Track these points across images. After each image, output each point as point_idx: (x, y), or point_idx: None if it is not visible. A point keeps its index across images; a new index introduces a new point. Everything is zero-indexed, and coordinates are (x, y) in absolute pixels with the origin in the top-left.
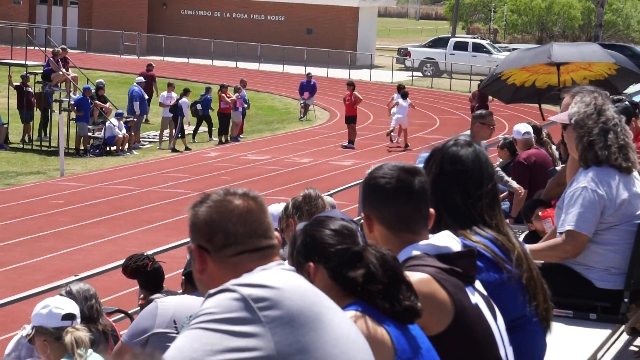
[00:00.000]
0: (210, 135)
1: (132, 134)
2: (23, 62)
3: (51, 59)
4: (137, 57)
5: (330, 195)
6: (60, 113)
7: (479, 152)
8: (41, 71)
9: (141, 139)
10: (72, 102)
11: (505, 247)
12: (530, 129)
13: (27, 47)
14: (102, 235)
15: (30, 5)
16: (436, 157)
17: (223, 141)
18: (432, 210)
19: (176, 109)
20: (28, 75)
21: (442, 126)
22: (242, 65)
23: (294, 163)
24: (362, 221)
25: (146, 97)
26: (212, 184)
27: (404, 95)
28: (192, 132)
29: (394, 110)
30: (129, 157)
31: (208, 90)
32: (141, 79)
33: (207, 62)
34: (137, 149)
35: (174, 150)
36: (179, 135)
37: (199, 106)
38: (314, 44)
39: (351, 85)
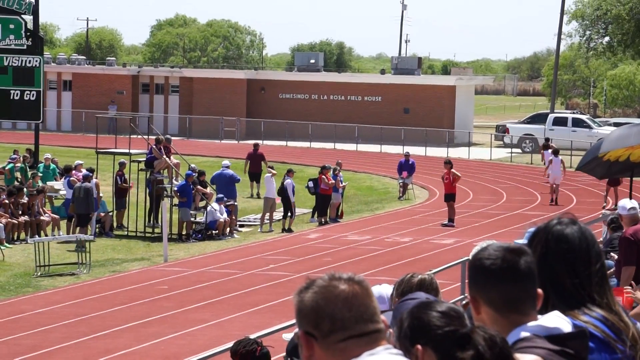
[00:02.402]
0: (313, 216)
1: (233, 217)
2: (127, 150)
3: (154, 146)
4: (236, 142)
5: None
6: (163, 199)
7: (584, 230)
8: (144, 159)
9: (240, 222)
10: (175, 189)
11: (617, 327)
12: (636, 205)
13: (131, 136)
14: (207, 320)
15: (133, 94)
16: (541, 236)
17: (323, 222)
18: (539, 290)
19: (283, 191)
20: (124, 162)
21: (543, 203)
22: (339, 146)
23: (394, 243)
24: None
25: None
26: (313, 265)
27: (555, 153)
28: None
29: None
30: (231, 241)
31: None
32: (227, 162)
33: (305, 144)
34: (238, 232)
35: (286, 230)
36: (289, 215)
37: (310, 184)
38: (411, 123)
39: (449, 163)
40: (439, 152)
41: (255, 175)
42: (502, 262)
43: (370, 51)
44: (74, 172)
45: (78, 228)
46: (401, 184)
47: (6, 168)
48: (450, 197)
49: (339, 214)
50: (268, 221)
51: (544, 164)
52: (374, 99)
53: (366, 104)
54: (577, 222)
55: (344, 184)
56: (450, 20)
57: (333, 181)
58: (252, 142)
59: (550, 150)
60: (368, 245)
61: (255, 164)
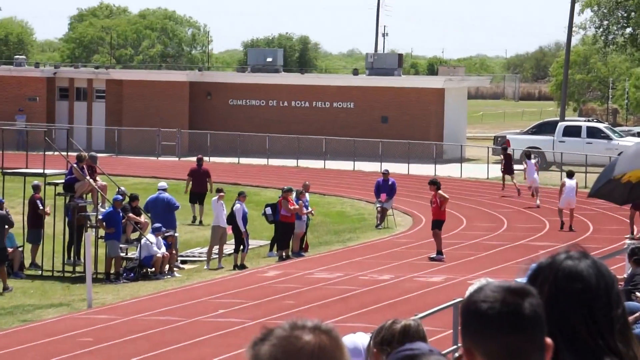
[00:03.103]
0: (272, 249)
1: (174, 251)
2: (41, 170)
3: (74, 165)
4: (177, 159)
5: (419, 319)
6: (85, 231)
7: (599, 266)
8: (62, 181)
9: (182, 257)
10: (101, 217)
11: None
12: None
13: (45, 152)
14: None
15: (48, 101)
16: (547, 273)
17: (284, 257)
18: (548, 340)
19: (232, 219)
20: (38, 185)
21: (552, 231)
22: (304, 163)
23: (371, 281)
24: (457, 354)
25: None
26: (272, 310)
27: (528, 156)
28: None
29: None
30: (170, 281)
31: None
32: (164, 184)
33: (262, 161)
34: (179, 270)
35: (239, 266)
36: (241, 248)
37: (268, 210)
38: (390, 135)
39: (434, 184)
40: (425, 169)
41: (198, 197)
42: (502, 306)
43: (340, 47)
44: None
45: None
46: (379, 208)
47: None
48: (437, 225)
49: (303, 246)
50: (217, 256)
51: (525, 178)
52: (345, 106)
53: (336, 111)
54: (590, 256)
55: (309, 210)
56: (437, 10)
57: (296, 206)
58: (196, 157)
59: (531, 160)
60: (339, 285)
61: (199, 183)
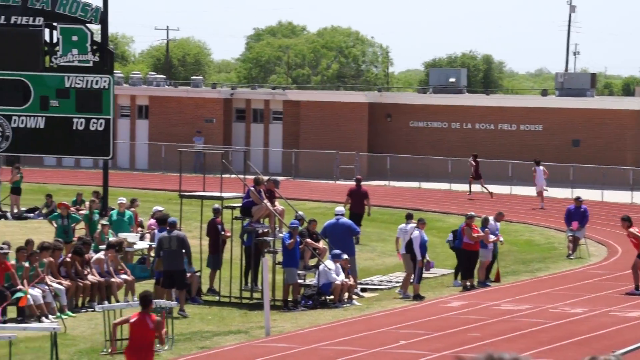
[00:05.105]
0: (456, 278)
1: (352, 279)
2: (218, 193)
3: (252, 188)
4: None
5: (620, 355)
6: (263, 256)
7: None
8: (240, 205)
9: (362, 285)
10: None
11: None
12: None
13: (223, 175)
14: None
15: (224, 122)
16: None
17: (468, 286)
18: None
19: (410, 245)
20: (219, 209)
21: None
22: (490, 187)
23: (562, 314)
24: None
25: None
26: (456, 342)
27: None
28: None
29: None
30: (350, 309)
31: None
32: (341, 209)
33: (444, 185)
34: (359, 298)
35: (413, 297)
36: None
37: (450, 236)
38: (582, 159)
39: (627, 220)
40: (621, 196)
41: (356, 217)
42: None
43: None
44: (151, 220)
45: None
46: (570, 237)
47: (51, 219)
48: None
49: (494, 276)
50: (400, 285)
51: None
52: (533, 128)
53: (522, 134)
54: None
55: (493, 238)
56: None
57: (480, 234)
58: (375, 183)
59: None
60: (527, 317)
61: (357, 203)
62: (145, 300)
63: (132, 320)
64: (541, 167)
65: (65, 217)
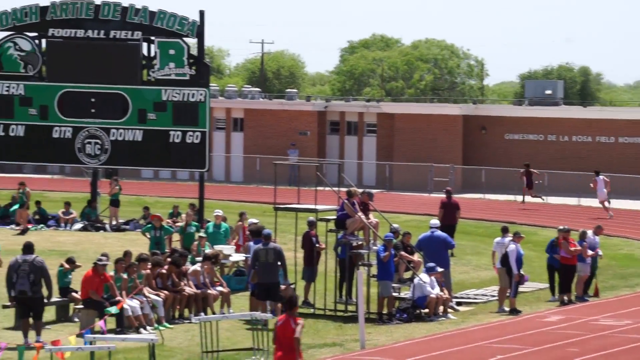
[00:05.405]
0: (553, 293)
1: (447, 292)
2: (312, 206)
3: (345, 201)
4: (524, 202)
5: None
6: (357, 269)
7: None
8: (334, 217)
9: (457, 299)
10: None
11: None
12: None
13: (317, 188)
14: None
15: (319, 135)
16: None
17: (566, 301)
18: None
19: (505, 259)
20: (314, 221)
21: None
22: (585, 201)
23: None
24: None
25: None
26: (554, 357)
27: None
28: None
29: None
30: (445, 323)
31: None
32: (436, 221)
33: (539, 198)
34: (454, 311)
35: (509, 311)
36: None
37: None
38: None
39: None
40: None
41: (448, 229)
42: None
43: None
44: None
45: (267, 303)
46: None
47: (144, 231)
48: None
49: (593, 291)
50: (493, 297)
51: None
52: (633, 141)
53: (622, 146)
54: None
55: (591, 252)
56: None
57: (578, 248)
58: (470, 196)
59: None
60: (628, 334)
61: (448, 215)
62: (291, 302)
63: (279, 323)
64: (601, 177)
65: (158, 229)
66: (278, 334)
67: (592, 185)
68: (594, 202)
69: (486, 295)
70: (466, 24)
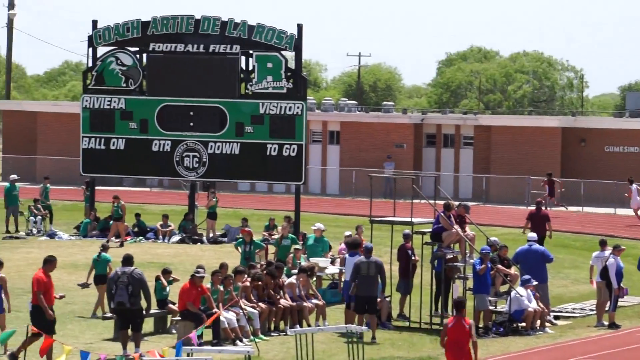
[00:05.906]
0: None
1: (543, 306)
2: (408, 218)
3: (442, 214)
4: (547, 208)
5: None
6: (454, 282)
7: None
8: (430, 230)
9: (555, 313)
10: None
11: None
12: None
13: (413, 200)
14: None
15: (415, 148)
16: None
17: None
18: None
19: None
20: (409, 234)
21: None
22: None
23: None
24: None
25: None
26: None
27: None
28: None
29: None
30: (542, 337)
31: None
32: (534, 235)
33: None
34: (552, 325)
35: (608, 325)
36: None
37: None
38: None
39: None
40: None
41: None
42: None
43: None
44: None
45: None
46: None
47: (236, 246)
48: None
49: None
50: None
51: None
52: None
53: None
54: None
55: None
56: None
57: None
58: (570, 208)
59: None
60: None
61: (537, 226)
62: (459, 304)
63: (450, 325)
64: (634, 186)
65: (248, 244)
66: (449, 335)
67: (626, 194)
68: None
69: (584, 309)
70: (565, 36)
